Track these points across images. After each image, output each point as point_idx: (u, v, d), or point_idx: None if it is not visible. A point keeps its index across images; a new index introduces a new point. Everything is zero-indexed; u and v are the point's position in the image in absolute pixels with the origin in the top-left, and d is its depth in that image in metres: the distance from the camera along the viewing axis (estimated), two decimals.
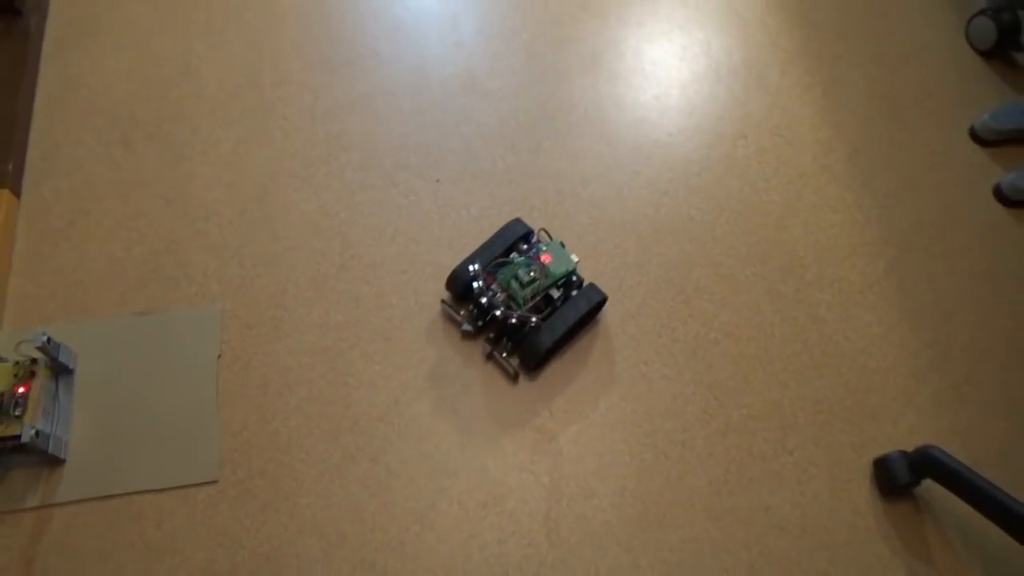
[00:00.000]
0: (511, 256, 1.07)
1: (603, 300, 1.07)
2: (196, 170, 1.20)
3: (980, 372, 1.09)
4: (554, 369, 1.07)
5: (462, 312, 1.08)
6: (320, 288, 1.11)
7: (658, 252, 1.16)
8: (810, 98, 1.30)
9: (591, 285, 1.07)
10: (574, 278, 1.06)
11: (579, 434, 1.03)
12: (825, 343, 1.10)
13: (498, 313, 1.02)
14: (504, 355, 1.06)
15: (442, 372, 1.06)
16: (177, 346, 1.05)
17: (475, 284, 1.04)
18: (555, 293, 1.05)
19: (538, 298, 1.04)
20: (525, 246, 1.09)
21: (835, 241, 1.18)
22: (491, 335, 1.06)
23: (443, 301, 1.09)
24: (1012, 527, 0.89)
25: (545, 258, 1.04)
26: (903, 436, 1.03)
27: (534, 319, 1.02)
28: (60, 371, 1.00)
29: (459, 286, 1.06)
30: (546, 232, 1.11)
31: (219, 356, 1.05)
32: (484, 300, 1.03)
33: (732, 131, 1.27)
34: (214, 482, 0.97)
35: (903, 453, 0.98)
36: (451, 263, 1.12)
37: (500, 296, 1.04)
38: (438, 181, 1.21)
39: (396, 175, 1.21)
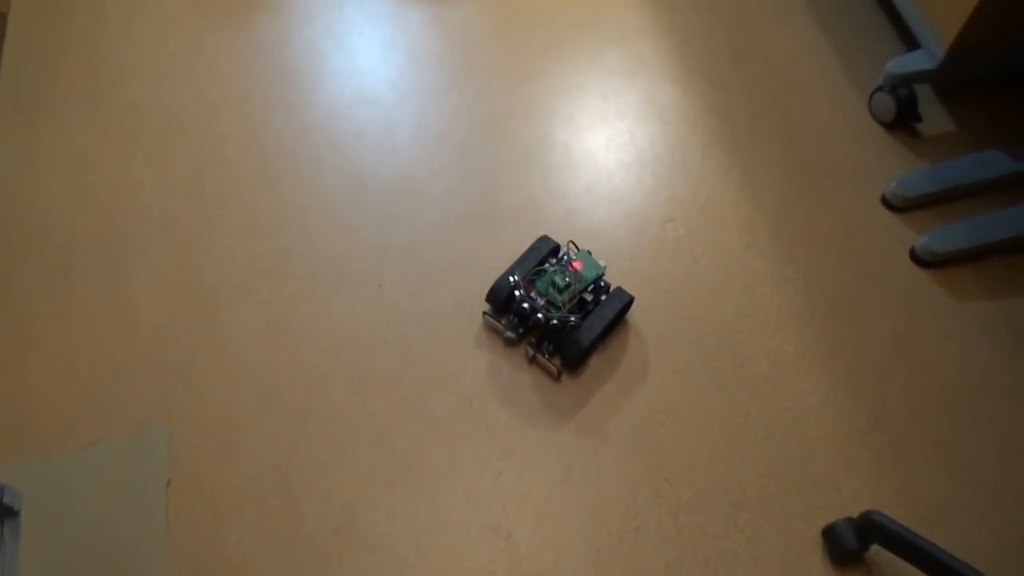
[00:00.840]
0: (545, 266, 1.18)
1: (631, 300, 1.18)
2: (141, 292, 1.22)
3: (915, 430, 1.13)
4: (515, 466, 1.09)
5: (503, 321, 1.18)
6: (268, 403, 1.12)
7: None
8: (730, 178, 1.37)
9: (619, 288, 1.19)
10: (603, 283, 1.18)
11: (533, 528, 1.04)
12: (765, 415, 1.14)
13: (540, 316, 1.12)
14: (547, 356, 1.15)
15: (394, 471, 1.07)
16: (125, 476, 1.05)
17: (517, 292, 1.14)
18: (588, 297, 1.16)
19: (574, 301, 1.15)
20: (553, 259, 1.20)
21: (766, 314, 1.23)
22: (532, 340, 1.17)
23: (485, 313, 1.19)
24: None
25: (577, 265, 1.16)
26: (848, 502, 1.06)
27: (573, 318, 1.12)
28: (5, 514, 0.99)
29: (500, 296, 1.16)
30: (573, 244, 1.21)
31: (168, 482, 1.05)
32: (526, 305, 1.13)
33: (660, 214, 1.33)
34: None
35: (849, 520, 1.01)
36: (398, 368, 1.14)
37: (540, 301, 1.14)
38: (380, 285, 1.24)
39: (339, 284, 1.24)
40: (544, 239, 1.23)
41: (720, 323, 1.22)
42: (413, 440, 1.10)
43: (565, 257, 1.19)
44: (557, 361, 1.15)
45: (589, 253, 1.20)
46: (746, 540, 1.04)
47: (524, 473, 1.08)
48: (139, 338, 1.17)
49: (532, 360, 1.17)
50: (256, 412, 1.11)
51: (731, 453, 1.11)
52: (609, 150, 1.41)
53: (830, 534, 1.02)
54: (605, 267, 1.18)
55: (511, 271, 1.18)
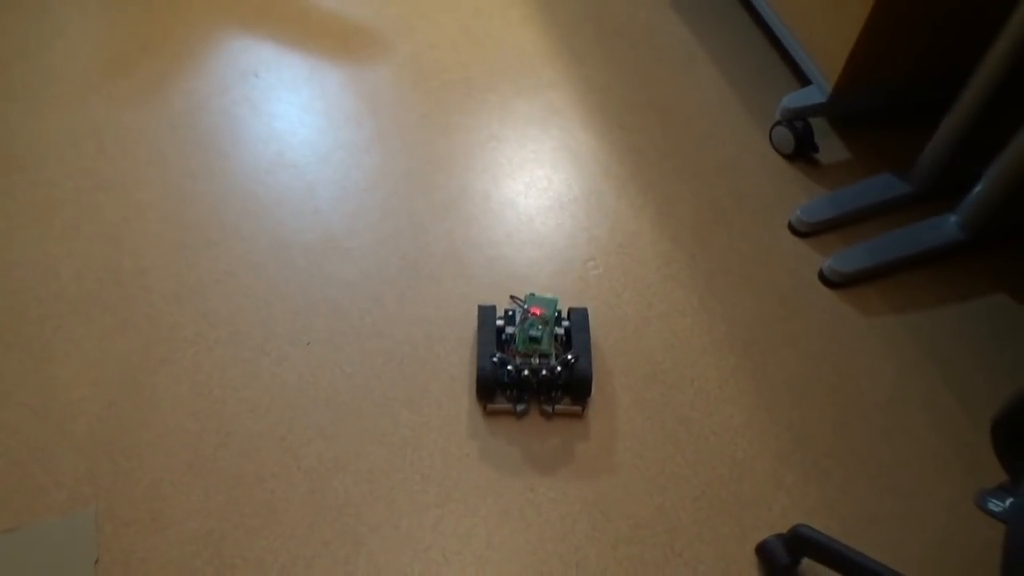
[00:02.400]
0: (508, 330, 1.22)
1: (586, 311, 1.25)
2: (59, 371, 1.21)
3: (835, 445, 1.20)
4: (453, 512, 1.10)
5: (503, 400, 1.19)
6: (198, 471, 1.12)
7: None
8: (646, 216, 1.45)
9: (570, 309, 1.26)
10: (559, 311, 1.24)
11: (475, 574, 1.05)
12: (694, 441, 1.19)
13: (546, 372, 1.15)
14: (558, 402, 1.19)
15: (330, 529, 1.08)
16: (50, 561, 1.03)
17: (508, 366, 1.16)
18: (559, 330, 1.22)
19: (557, 342, 1.20)
20: (511, 325, 1.22)
21: (688, 343, 1.29)
22: (541, 397, 1.20)
23: (486, 409, 1.19)
24: None
25: (535, 311, 1.21)
26: (778, 519, 1.11)
27: (570, 355, 1.16)
28: None
29: (491, 381, 1.17)
30: (514, 297, 1.27)
31: (96, 561, 1.03)
32: (526, 372, 1.15)
33: (581, 255, 1.39)
34: None
35: (779, 536, 1.06)
36: (330, 424, 1.16)
37: (534, 360, 1.17)
38: (308, 344, 1.26)
39: (266, 345, 1.25)
40: (483, 310, 1.25)
41: (645, 355, 1.28)
42: (348, 495, 1.11)
43: (518, 312, 1.24)
44: (568, 400, 1.20)
45: (533, 295, 1.26)
46: (684, 565, 1.07)
47: (462, 519, 1.10)
48: (59, 416, 1.16)
49: (552, 414, 1.19)
50: (186, 481, 1.11)
51: (664, 481, 1.15)
52: (528, 196, 1.47)
53: (763, 551, 1.06)
54: (557, 297, 1.25)
55: (484, 355, 1.18)
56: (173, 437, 1.15)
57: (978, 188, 1.32)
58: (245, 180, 1.46)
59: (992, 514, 0.84)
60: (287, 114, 1.56)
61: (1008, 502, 0.83)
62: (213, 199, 1.43)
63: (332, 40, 1.68)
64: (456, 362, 1.25)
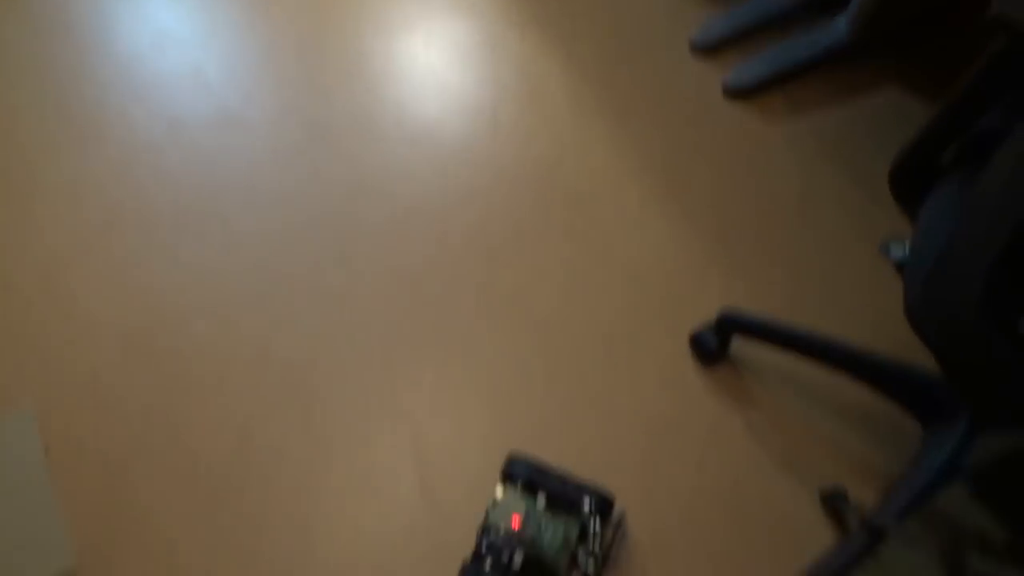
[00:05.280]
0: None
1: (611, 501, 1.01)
2: None
3: (756, 245, 1.29)
4: (403, 354, 1.16)
5: None
6: (134, 353, 1.14)
7: (451, 227, 1.29)
8: (552, 57, 1.48)
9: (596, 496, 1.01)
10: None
11: (431, 404, 1.12)
12: (625, 260, 1.27)
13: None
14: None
15: (281, 387, 1.13)
16: None
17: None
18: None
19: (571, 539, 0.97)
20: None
21: (605, 172, 1.36)
22: None
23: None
24: (804, 349, 1.09)
25: (515, 522, 0.98)
26: (708, 314, 1.21)
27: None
28: None
29: None
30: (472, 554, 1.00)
31: (47, 450, 1.06)
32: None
33: (491, 101, 1.43)
34: (72, 573, 0.98)
35: (709, 325, 1.16)
36: (258, 291, 1.19)
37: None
38: (226, 220, 1.27)
39: (183, 225, 1.26)
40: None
41: (564, 189, 1.34)
42: (291, 353, 1.16)
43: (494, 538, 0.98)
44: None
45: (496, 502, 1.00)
46: (625, 367, 1.17)
47: (410, 357, 1.16)
48: None
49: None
50: (123, 364, 1.13)
51: (599, 298, 1.23)
52: (429, 49, 1.48)
53: (695, 340, 1.17)
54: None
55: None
56: (100, 327, 1.16)
57: None
58: (128, 62, 1.42)
59: (893, 259, 0.95)
60: None
61: (906, 244, 0.94)
62: (95, 89, 1.39)
63: None
64: (375, 218, 1.29)
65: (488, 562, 0.97)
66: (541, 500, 1.00)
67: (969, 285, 0.60)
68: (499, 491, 1.01)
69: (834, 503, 1.04)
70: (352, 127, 1.38)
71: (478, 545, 0.98)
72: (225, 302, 1.20)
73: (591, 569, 0.96)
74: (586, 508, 0.99)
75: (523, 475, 1.02)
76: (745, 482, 1.08)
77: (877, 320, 1.20)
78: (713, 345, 1.14)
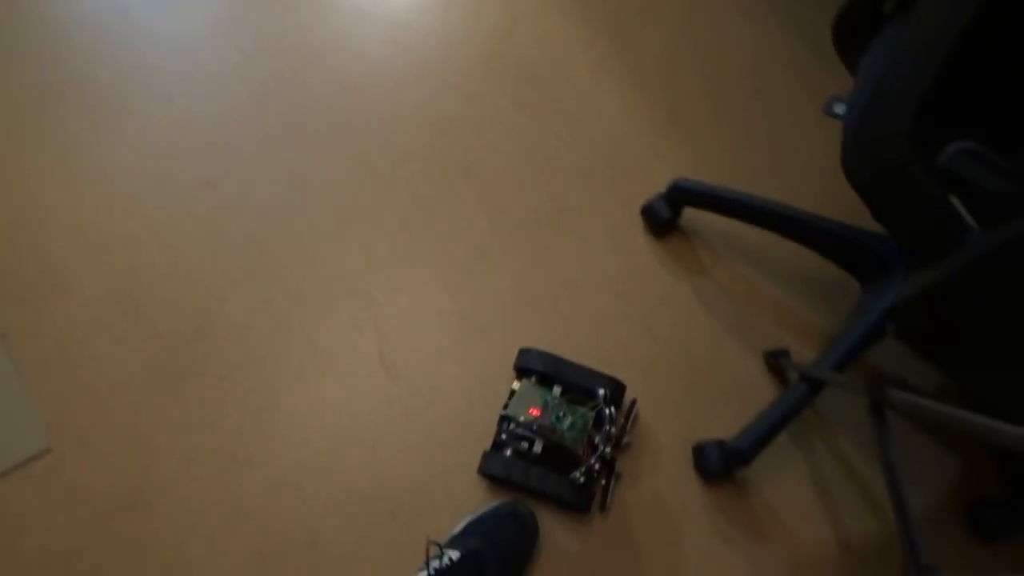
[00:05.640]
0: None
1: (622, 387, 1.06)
2: None
3: (708, 112, 1.30)
4: (355, 230, 1.17)
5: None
6: (87, 240, 1.13)
7: (403, 102, 1.27)
8: None
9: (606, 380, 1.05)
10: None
11: (388, 280, 1.14)
12: (575, 129, 1.27)
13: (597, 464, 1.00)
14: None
15: (237, 266, 1.14)
16: None
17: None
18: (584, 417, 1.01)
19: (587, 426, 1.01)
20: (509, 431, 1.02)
21: (556, 40, 1.34)
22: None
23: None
24: (751, 216, 1.11)
25: (534, 411, 1.02)
26: (660, 184, 1.22)
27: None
28: None
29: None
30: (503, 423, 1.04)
31: (4, 335, 1.07)
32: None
33: None
34: (48, 451, 1.01)
35: (660, 195, 1.18)
36: (211, 172, 1.17)
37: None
38: (170, 98, 1.24)
39: (126, 105, 1.23)
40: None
41: (517, 60, 1.32)
42: (246, 233, 1.16)
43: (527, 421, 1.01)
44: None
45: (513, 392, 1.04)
46: (579, 239, 1.19)
47: (364, 236, 1.17)
48: None
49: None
50: (76, 247, 1.13)
51: (552, 170, 1.24)
52: None
53: (647, 211, 1.19)
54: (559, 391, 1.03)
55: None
56: (50, 211, 1.15)
57: None
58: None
59: (835, 115, 0.97)
60: None
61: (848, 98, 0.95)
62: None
63: None
64: (325, 93, 1.26)
65: (508, 450, 1.01)
66: (557, 390, 1.04)
67: (895, 123, 0.62)
68: (515, 384, 1.05)
69: (777, 361, 1.10)
70: (296, 1, 1.33)
71: (498, 434, 1.03)
72: (176, 183, 1.18)
73: (608, 451, 1.01)
74: (601, 395, 1.03)
75: (537, 367, 1.05)
76: (695, 344, 1.13)
77: (825, 184, 1.23)
78: (665, 215, 1.17)
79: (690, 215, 1.20)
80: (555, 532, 1.01)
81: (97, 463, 1.01)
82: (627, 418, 1.06)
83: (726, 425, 1.06)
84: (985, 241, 0.58)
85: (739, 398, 1.09)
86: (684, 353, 1.12)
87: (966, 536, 1.03)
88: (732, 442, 1.01)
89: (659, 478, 1.05)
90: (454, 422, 1.06)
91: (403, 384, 1.08)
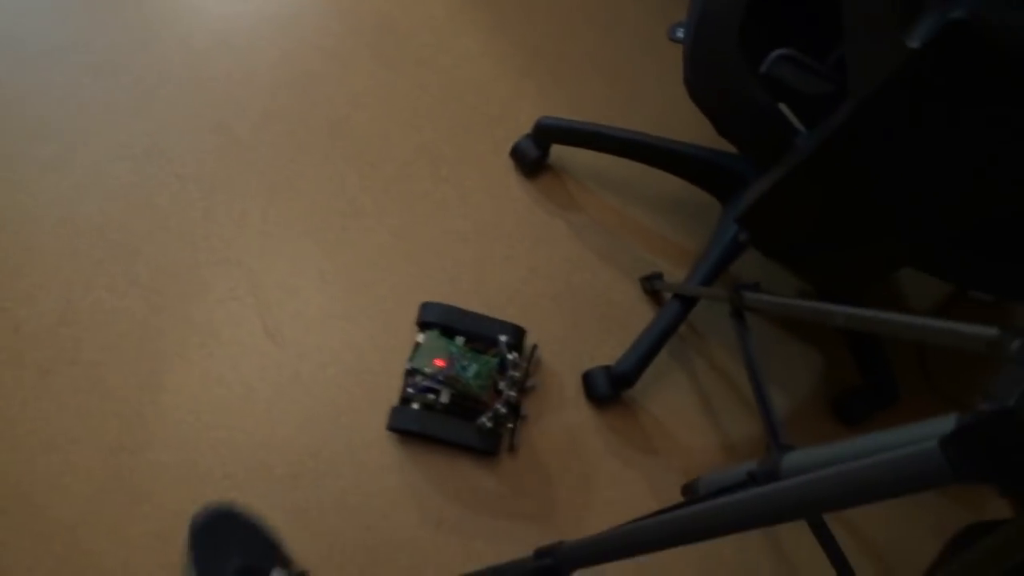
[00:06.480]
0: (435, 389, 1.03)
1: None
2: None
3: (567, 50, 1.34)
4: (220, 201, 1.14)
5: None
6: None
7: (258, 62, 1.24)
8: None
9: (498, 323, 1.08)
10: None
11: (259, 248, 1.13)
12: (439, 78, 1.28)
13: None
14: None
15: (99, 249, 1.09)
16: None
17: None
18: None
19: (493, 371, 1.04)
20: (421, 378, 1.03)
21: None
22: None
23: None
24: (614, 148, 1.16)
25: (439, 362, 1.03)
26: (525, 126, 1.25)
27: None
28: None
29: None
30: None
31: None
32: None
33: None
34: None
35: (527, 135, 1.21)
36: (53, 153, 1.12)
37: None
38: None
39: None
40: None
41: (373, 12, 1.31)
42: (104, 214, 1.12)
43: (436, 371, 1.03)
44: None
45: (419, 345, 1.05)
46: (452, 187, 1.21)
47: (231, 204, 1.15)
48: None
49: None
50: None
51: (419, 122, 1.25)
52: None
53: (516, 152, 1.22)
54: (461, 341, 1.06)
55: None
56: None
57: None
58: None
59: (679, 41, 1.02)
60: None
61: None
62: None
63: None
64: (174, 59, 1.22)
65: (416, 403, 1.03)
66: (460, 340, 1.06)
67: (722, 38, 0.67)
68: (419, 336, 1.06)
69: (652, 284, 1.16)
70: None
71: (404, 388, 1.03)
72: (18, 168, 1.12)
73: (513, 395, 1.04)
74: (503, 342, 1.05)
75: (439, 319, 1.07)
76: (574, 277, 1.18)
77: (681, 110, 1.29)
78: (533, 155, 1.20)
79: (558, 152, 1.24)
80: (469, 477, 1.04)
81: None
82: (529, 361, 1.10)
83: (611, 351, 1.12)
84: (807, 142, 0.63)
85: (620, 324, 1.15)
86: (566, 286, 1.17)
87: (831, 422, 1.13)
88: (616, 366, 1.06)
89: (561, 414, 1.10)
90: (350, 382, 1.07)
91: (291, 349, 1.08)
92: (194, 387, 1.04)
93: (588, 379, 1.08)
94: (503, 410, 1.03)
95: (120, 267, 1.09)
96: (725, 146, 0.99)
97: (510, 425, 1.06)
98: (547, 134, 1.18)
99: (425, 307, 1.09)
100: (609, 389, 1.06)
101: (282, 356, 1.07)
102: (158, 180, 1.15)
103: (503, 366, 1.06)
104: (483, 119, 1.26)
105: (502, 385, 1.04)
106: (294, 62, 1.25)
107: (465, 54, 1.30)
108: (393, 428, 1.03)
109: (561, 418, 1.09)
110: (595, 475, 1.07)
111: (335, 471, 1.03)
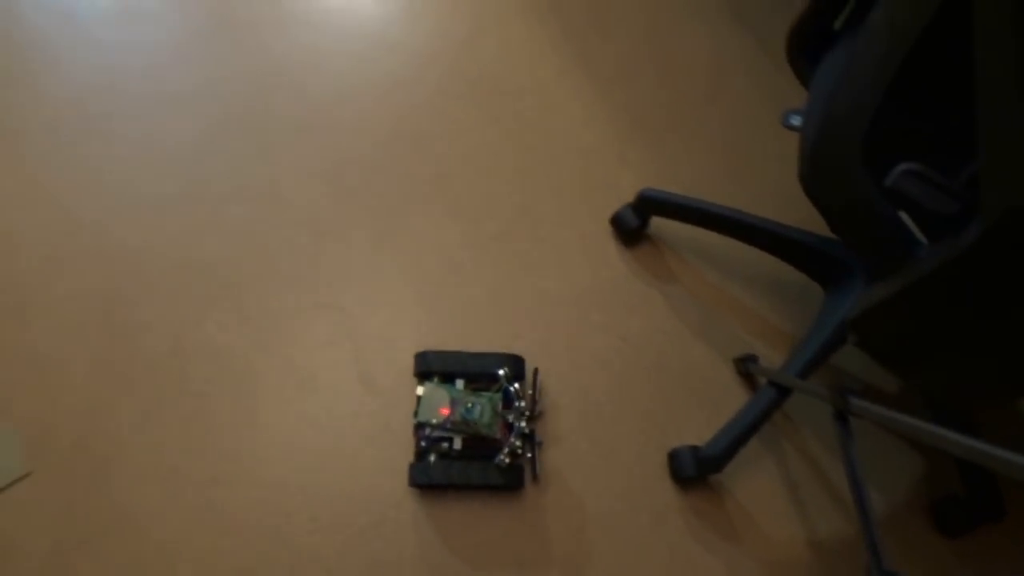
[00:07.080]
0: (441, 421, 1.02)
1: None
2: None
3: (670, 118, 1.34)
4: (330, 247, 1.20)
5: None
6: (55, 263, 1.15)
7: (374, 116, 1.30)
8: None
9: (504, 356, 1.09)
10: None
11: (361, 294, 1.17)
12: (543, 140, 1.31)
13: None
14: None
15: (214, 286, 1.15)
16: None
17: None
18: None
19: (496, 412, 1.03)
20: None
21: (522, 47, 1.37)
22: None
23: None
24: (717, 224, 1.16)
25: (444, 411, 1.02)
26: (626, 193, 1.26)
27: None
28: None
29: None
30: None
31: None
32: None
33: None
34: (27, 475, 1.02)
35: (629, 205, 1.23)
36: (173, 190, 1.19)
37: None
38: (108, 116, 1.26)
39: (91, 124, 1.24)
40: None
41: (483, 68, 1.35)
42: (221, 251, 1.18)
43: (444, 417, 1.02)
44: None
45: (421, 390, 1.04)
46: (551, 248, 1.23)
47: (337, 250, 1.20)
48: None
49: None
50: (48, 268, 1.14)
51: (522, 182, 1.27)
52: None
53: (616, 221, 1.23)
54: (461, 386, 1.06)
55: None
56: (15, 237, 1.16)
57: None
58: None
59: (793, 128, 1.01)
60: None
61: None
62: None
63: None
64: (293, 110, 1.29)
65: (432, 456, 1.04)
66: (460, 383, 1.07)
67: (846, 143, 0.66)
68: (419, 389, 1.06)
69: (746, 366, 1.14)
70: (258, 16, 1.35)
71: (417, 444, 1.05)
72: (143, 205, 1.20)
73: (524, 425, 1.04)
74: (502, 375, 1.06)
75: (435, 366, 1.08)
76: (666, 350, 1.18)
77: (786, 190, 1.28)
78: (633, 224, 1.21)
79: (658, 222, 1.24)
80: (497, 516, 1.04)
81: (81, 483, 1.02)
82: (534, 388, 1.10)
83: (699, 429, 1.11)
84: (931, 256, 0.62)
85: (711, 402, 1.14)
86: (657, 358, 1.17)
87: (930, 532, 1.08)
88: (705, 449, 1.05)
89: (578, 432, 1.09)
90: None
91: (383, 398, 1.11)
92: (288, 428, 1.08)
93: (675, 458, 1.07)
94: (517, 443, 1.03)
95: (229, 307, 1.15)
96: (828, 228, 0.98)
97: (528, 455, 1.06)
98: (648, 205, 1.19)
99: (419, 357, 1.09)
100: (695, 471, 1.05)
101: (375, 404, 1.10)
102: (271, 223, 1.21)
103: (508, 399, 1.06)
104: (584, 183, 1.28)
105: (511, 418, 1.04)
106: (405, 118, 1.30)
107: (569, 116, 1.33)
108: (415, 484, 1.04)
109: (580, 438, 1.08)
110: (675, 558, 1.05)
111: (415, 522, 1.04)
